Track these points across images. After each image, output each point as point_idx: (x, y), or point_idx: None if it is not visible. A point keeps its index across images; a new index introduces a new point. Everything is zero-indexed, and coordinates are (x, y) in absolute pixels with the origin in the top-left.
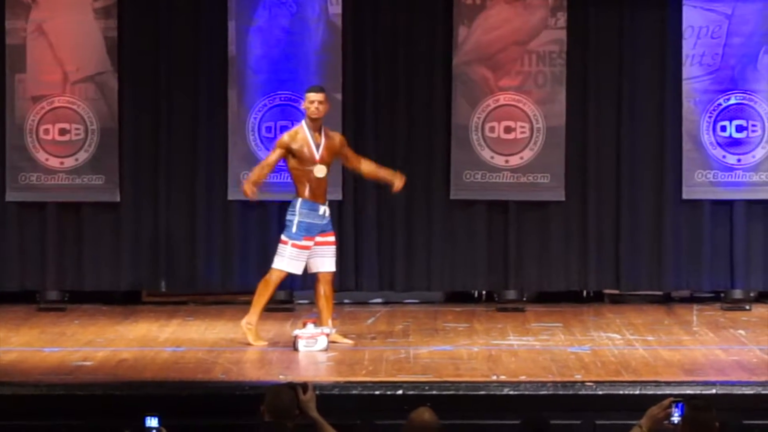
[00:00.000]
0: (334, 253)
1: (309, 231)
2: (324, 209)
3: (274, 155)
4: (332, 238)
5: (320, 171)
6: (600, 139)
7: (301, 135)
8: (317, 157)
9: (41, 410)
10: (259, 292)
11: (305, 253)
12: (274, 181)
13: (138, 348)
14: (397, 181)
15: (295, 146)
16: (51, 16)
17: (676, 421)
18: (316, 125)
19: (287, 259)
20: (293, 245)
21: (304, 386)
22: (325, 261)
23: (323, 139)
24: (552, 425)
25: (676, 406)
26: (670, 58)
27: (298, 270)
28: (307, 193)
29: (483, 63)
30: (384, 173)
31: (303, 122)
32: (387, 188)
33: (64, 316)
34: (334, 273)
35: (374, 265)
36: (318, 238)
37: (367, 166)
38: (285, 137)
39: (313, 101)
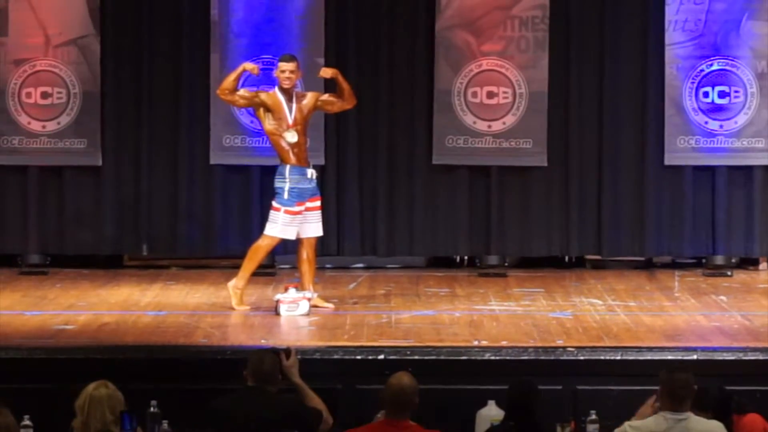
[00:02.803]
0: (320, 217)
1: (301, 196)
2: (311, 172)
3: (247, 90)
4: (319, 203)
5: (291, 136)
6: (582, 105)
7: (275, 99)
8: (290, 121)
9: (22, 374)
10: (249, 257)
11: (298, 218)
12: (256, 146)
13: (119, 312)
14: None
15: (269, 102)
16: None
17: None
18: (288, 93)
19: (281, 226)
20: (286, 212)
21: (287, 351)
22: (311, 226)
23: (295, 104)
24: None
25: None
26: (653, 23)
27: (291, 235)
28: (292, 158)
29: (466, 28)
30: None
31: (276, 88)
32: (370, 153)
33: (45, 279)
34: (318, 238)
35: (356, 229)
36: (307, 203)
37: (345, 92)
38: (261, 92)
39: (284, 70)
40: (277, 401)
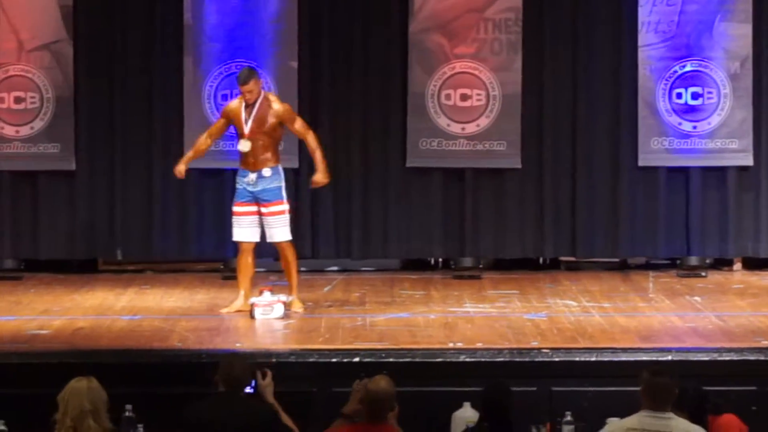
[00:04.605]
0: (281, 222)
1: (239, 196)
2: (252, 177)
3: (216, 124)
4: (276, 208)
5: (243, 145)
6: (556, 107)
7: (236, 106)
8: (246, 131)
9: None
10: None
11: (241, 219)
12: (229, 150)
13: (94, 316)
14: (319, 177)
15: (231, 114)
16: None
17: None
18: (251, 104)
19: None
20: (232, 212)
21: (264, 372)
22: (270, 231)
23: (255, 112)
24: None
25: None
26: (626, 25)
27: (239, 237)
28: (242, 161)
29: (439, 30)
30: (316, 159)
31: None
32: (344, 155)
33: (19, 284)
34: (286, 242)
35: (331, 232)
36: (262, 209)
37: (310, 144)
38: (227, 105)
39: (244, 92)
40: (249, 407)
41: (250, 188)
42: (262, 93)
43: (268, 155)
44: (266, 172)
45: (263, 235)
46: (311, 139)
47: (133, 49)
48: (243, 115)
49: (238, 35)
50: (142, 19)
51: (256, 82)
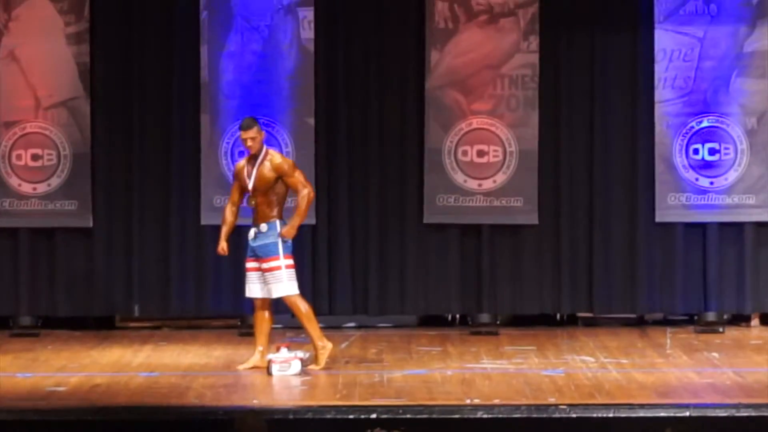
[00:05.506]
0: (275, 278)
1: (247, 253)
2: (252, 232)
3: (232, 189)
4: (270, 264)
5: (247, 201)
6: (573, 162)
7: (241, 165)
8: (249, 186)
9: None
10: None
11: (250, 275)
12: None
13: (111, 373)
14: (285, 229)
15: (238, 175)
16: (23, 42)
17: None
18: (254, 158)
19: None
20: None
21: None
22: (266, 287)
23: (256, 167)
24: None
25: None
26: (642, 81)
27: (248, 293)
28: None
29: (455, 87)
30: (294, 215)
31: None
32: (361, 212)
33: (37, 341)
34: (288, 297)
35: (348, 289)
36: (261, 264)
37: (298, 198)
38: (234, 167)
39: (244, 139)
40: None
41: (252, 243)
42: (264, 148)
43: (270, 211)
44: (263, 227)
45: None
46: (302, 195)
47: (150, 107)
48: (246, 170)
49: (255, 92)
50: (159, 76)
51: (258, 131)
